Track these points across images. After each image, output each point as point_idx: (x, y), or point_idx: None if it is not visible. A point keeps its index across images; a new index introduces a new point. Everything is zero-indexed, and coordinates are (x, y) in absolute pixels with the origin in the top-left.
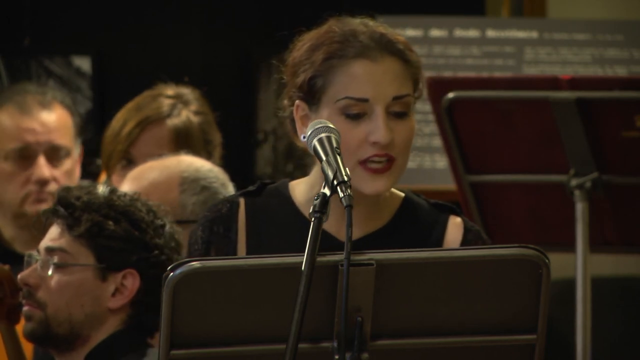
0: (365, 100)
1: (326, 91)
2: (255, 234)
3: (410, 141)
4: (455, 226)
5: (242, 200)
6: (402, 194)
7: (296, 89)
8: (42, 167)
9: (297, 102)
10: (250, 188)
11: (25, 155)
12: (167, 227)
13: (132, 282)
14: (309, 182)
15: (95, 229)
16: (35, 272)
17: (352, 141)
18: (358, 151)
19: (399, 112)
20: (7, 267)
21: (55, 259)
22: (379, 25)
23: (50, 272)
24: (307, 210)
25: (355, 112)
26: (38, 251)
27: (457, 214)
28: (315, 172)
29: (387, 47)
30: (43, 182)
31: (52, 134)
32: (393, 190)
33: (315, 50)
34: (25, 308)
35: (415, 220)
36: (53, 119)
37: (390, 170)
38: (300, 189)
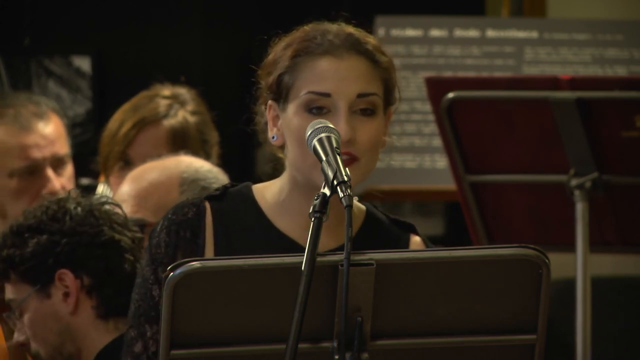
0: (328, 95)
1: (292, 87)
2: (223, 238)
3: (375, 141)
4: (416, 246)
5: (207, 205)
6: (364, 207)
7: (268, 89)
8: (53, 181)
9: (269, 102)
10: (214, 192)
11: (32, 172)
12: (73, 209)
13: (68, 279)
14: (277, 187)
15: (10, 263)
16: (18, 331)
17: None
18: None
19: (364, 108)
20: None
21: (13, 309)
22: (352, 28)
23: (22, 323)
24: (273, 214)
25: (318, 106)
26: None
27: (417, 233)
28: (283, 177)
29: (354, 46)
30: (54, 195)
31: (54, 146)
32: (355, 202)
33: (286, 49)
34: None
35: (378, 236)
36: (52, 130)
37: (352, 167)
38: (267, 193)
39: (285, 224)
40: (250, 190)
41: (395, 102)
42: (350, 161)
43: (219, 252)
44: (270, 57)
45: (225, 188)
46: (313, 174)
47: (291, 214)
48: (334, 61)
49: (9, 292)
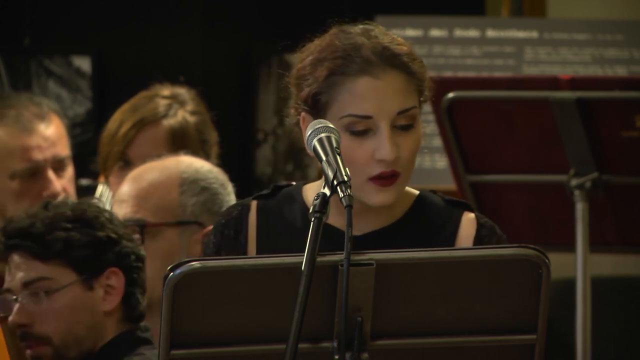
0: (369, 117)
1: (330, 108)
2: (266, 236)
3: (415, 152)
4: (468, 222)
5: (254, 203)
6: (417, 192)
7: (301, 102)
8: (54, 183)
9: (302, 114)
10: (265, 191)
11: (33, 173)
12: (114, 216)
13: (116, 279)
14: (320, 185)
15: (65, 245)
16: (23, 311)
17: (358, 158)
18: (365, 168)
19: (404, 124)
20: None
21: (38, 289)
22: (383, 35)
23: (40, 304)
24: None
25: (360, 129)
26: (9, 290)
27: (471, 210)
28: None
29: (390, 61)
30: (55, 196)
31: (55, 147)
32: (407, 188)
33: (318, 65)
34: (28, 352)
35: (428, 218)
36: (53, 131)
37: (395, 183)
38: (313, 192)
39: (331, 216)
40: (300, 190)
41: (428, 99)
42: (393, 179)
43: (260, 248)
44: (300, 67)
45: (277, 187)
46: (362, 189)
47: (334, 206)
48: (372, 81)
49: (34, 270)
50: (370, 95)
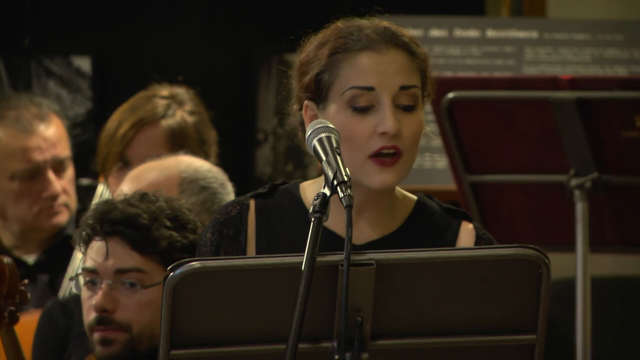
0: (371, 89)
1: (333, 85)
2: (265, 235)
3: (418, 135)
4: (467, 233)
5: (252, 202)
6: (415, 198)
7: (304, 89)
8: (54, 184)
9: (305, 102)
10: (261, 190)
11: (33, 174)
12: (198, 221)
13: None
14: (318, 183)
15: (168, 245)
16: (109, 296)
17: (360, 134)
18: (367, 144)
19: (406, 105)
20: (10, 260)
21: (130, 279)
22: (385, 22)
23: (128, 293)
24: None
25: (363, 105)
26: (95, 272)
27: (469, 220)
28: None
29: (392, 40)
30: (55, 197)
31: (56, 148)
32: (405, 193)
33: (321, 47)
34: (97, 334)
35: (427, 225)
36: (53, 132)
37: (397, 164)
38: (311, 190)
39: (329, 218)
40: (297, 188)
41: (431, 95)
42: (396, 158)
43: (260, 247)
44: (304, 56)
45: (274, 186)
46: (363, 169)
47: (335, 208)
48: (374, 56)
49: (131, 260)
50: (373, 68)
